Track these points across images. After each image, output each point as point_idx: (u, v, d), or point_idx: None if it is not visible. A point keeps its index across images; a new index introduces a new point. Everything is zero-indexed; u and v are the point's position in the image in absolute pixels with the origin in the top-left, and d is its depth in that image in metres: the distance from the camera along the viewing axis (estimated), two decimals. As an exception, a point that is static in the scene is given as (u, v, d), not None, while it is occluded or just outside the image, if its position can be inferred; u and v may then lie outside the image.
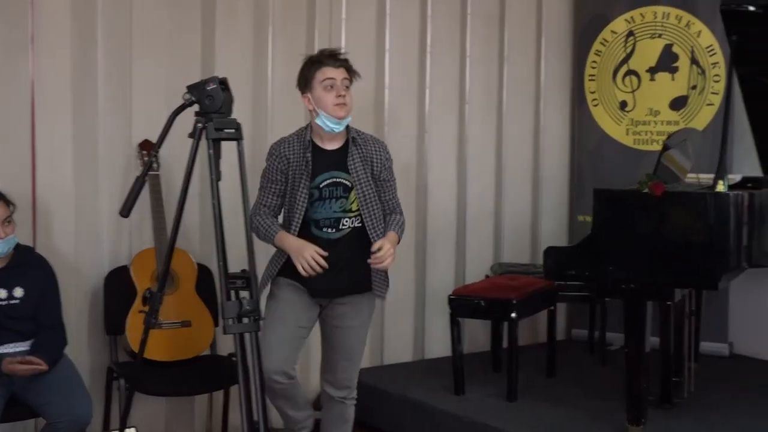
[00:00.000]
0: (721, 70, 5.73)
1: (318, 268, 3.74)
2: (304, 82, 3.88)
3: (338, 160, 3.90)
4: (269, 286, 4.04)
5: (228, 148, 3.27)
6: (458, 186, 5.99)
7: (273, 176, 3.92)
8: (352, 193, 3.88)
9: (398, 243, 3.97)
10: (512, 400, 4.88)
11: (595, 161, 6.16)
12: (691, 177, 4.82)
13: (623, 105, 6.11)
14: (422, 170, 5.82)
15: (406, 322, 5.81)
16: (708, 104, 5.83)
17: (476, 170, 6.05)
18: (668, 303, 4.51)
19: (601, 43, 6.15)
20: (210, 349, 4.76)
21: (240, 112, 3.41)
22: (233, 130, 3.27)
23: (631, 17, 6.07)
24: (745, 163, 5.44)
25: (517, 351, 4.93)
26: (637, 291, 4.21)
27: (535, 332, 6.09)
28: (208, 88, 3.25)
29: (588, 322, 5.84)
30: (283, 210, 3.98)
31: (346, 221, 3.89)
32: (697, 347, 5.41)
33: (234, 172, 3.31)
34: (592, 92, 6.20)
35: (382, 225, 3.96)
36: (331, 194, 3.88)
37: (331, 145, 3.92)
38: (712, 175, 4.37)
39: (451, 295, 5.12)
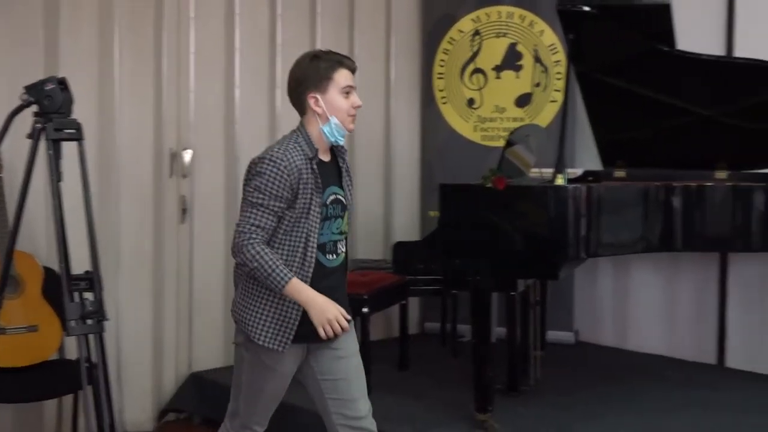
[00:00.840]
0: (563, 67, 5.85)
1: (340, 332, 3.14)
2: (316, 80, 3.20)
3: (335, 173, 3.32)
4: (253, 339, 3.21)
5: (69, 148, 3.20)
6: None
7: (279, 192, 3.10)
8: (346, 213, 3.33)
9: None
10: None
11: (445, 158, 6.24)
12: (534, 172, 4.94)
13: (471, 102, 6.22)
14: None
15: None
16: (551, 101, 6.00)
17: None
18: (512, 294, 4.64)
19: (449, 42, 6.24)
20: (58, 353, 4.63)
21: (85, 111, 3.33)
22: (74, 131, 3.21)
23: (477, 17, 6.18)
24: (588, 158, 5.61)
25: (369, 345, 4.95)
26: (482, 283, 4.27)
27: (388, 327, 6.14)
28: (47, 89, 3.20)
29: (440, 315, 5.93)
30: (278, 238, 3.18)
31: (341, 245, 3.30)
32: (544, 336, 5.56)
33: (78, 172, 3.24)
34: (441, 90, 6.29)
35: None
36: (334, 213, 3.27)
37: (325, 157, 3.28)
38: (551, 170, 4.50)
39: (303, 292, 5.10)
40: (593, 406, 4.70)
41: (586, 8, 4.57)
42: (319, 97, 3.19)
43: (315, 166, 3.17)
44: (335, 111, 3.20)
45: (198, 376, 5.39)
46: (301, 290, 3.10)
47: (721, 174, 4.96)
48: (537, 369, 5.13)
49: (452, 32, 6.24)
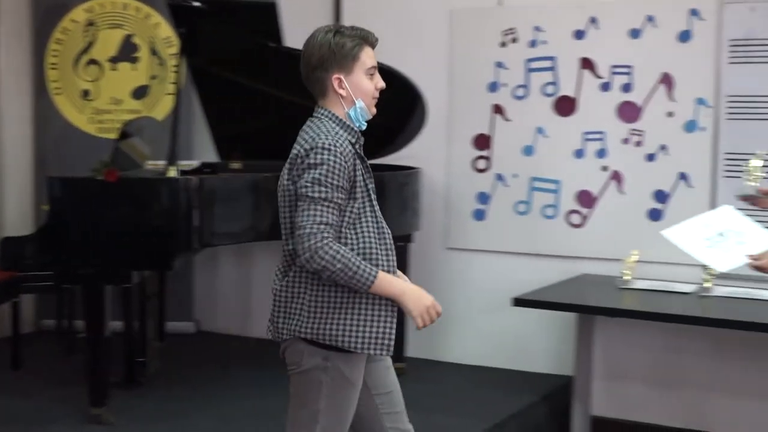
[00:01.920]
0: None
1: (435, 320, 2.77)
2: (340, 59, 2.77)
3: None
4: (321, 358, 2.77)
5: None
6: None
7: (340, 182, 2.67)
8: None
9: None
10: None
11: (61, 150, 6.03)
12: (150, 164, 4.93)
13: (85, 94, 6.07)
14: None
15: None
16: (168, 93, 5.97)
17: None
18: (127, 286, 4.60)
19: (62, 32, 6.04)
20: None
21: None
22: None
23: (91, 7, 6.03)
24: (206, 150, 5.64)
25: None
26: (94, 276, 4.22)
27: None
28: None
29: (56, 311, 5.75)
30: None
31: None
32: (163, 327, 5.56)
33: None
34: (54, 81, 6.07)
35: None
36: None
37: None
38: (163, 163, 4.53)
39: None
40: (212, 394, 4.79)
41: (196, 3, 4.62)
42: (342, 78, 2.77)
43: (359, 150, 2.81)
44: (361, 94, 2.79)
45: None
46: (391, 282, 2.71)
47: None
48: (156, 360, 5.14)
49: (65, 22, 6.04)
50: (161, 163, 4.68)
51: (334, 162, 2.65)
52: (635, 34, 4.87)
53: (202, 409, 4.55)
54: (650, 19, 4.82)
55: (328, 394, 2.77)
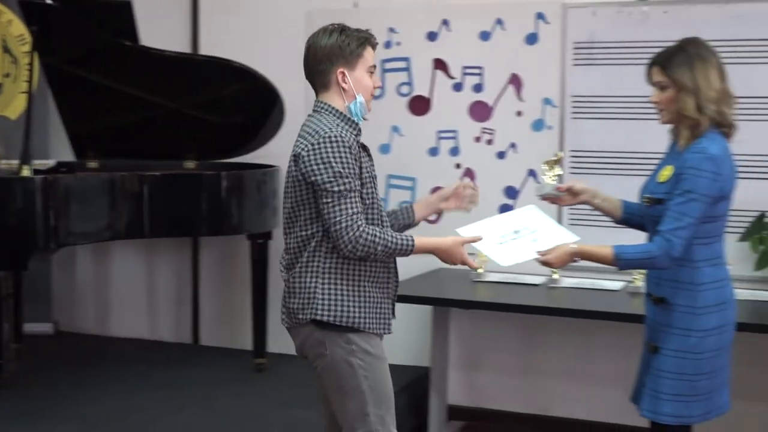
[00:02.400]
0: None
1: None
2: (346, 54, 2.97)
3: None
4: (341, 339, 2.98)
5: None
6: None
7: (354, 170, 2.89)
8: None
9: None
10: None
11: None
12: (5, 163, 4.85)
13: None
14: None
15: None
16: (22, 92, 5.84)
17: None
18: (-21, 287, 4.52)
19: None
20: None
21: None
22: None
23: None
24: (63, 149, 5.54)
25: None
26: (-56, 277, 4.13)
27: None
28: None
29: None
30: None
31: None
32: (20, 328, 5.44)
33: None
34: None
35: None
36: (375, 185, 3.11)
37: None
38: (15, 162, 4.48)
39: None
40: (70, 394, 4.74)
41: (48, 1, 4.58)
42: (345, 72, 2.96)
43: (362, 142, 3.02)
44: (362, 89, 3.00)
45: None
46: (425, 242, 3.02)
47: (190, 163, 5.21)
48: (12, 362, 5.02)
49: None
50: (14, 162, 4.61)
51: (347, 152, 2.86)
52: (485, 36, 5.00)
53: (60, 410, 4.50)
54: (499, 22, 4.96)
55: (364, 374, 2.97)
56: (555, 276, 4.69)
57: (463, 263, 3.05)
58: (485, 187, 5.01)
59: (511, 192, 5.02)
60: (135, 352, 5.66)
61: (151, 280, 5.97)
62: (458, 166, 5.12)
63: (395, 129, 5.22)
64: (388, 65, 5.20)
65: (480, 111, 5.06)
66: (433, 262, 5.03)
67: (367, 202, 2.95)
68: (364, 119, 3.05)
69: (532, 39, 4.92)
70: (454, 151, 5.13)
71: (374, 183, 3.01)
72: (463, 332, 5.10)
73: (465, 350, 5.13)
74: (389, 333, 3.07)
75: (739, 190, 3.12)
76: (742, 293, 3.77)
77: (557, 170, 3.33)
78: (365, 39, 3.01)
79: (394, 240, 2.90)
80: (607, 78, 4.79)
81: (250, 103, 5.08)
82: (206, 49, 5.57)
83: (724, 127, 3.00)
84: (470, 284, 4.75)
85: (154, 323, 5.96)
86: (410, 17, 5.16)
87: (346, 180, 2.85)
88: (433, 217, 5.12)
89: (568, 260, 3.11)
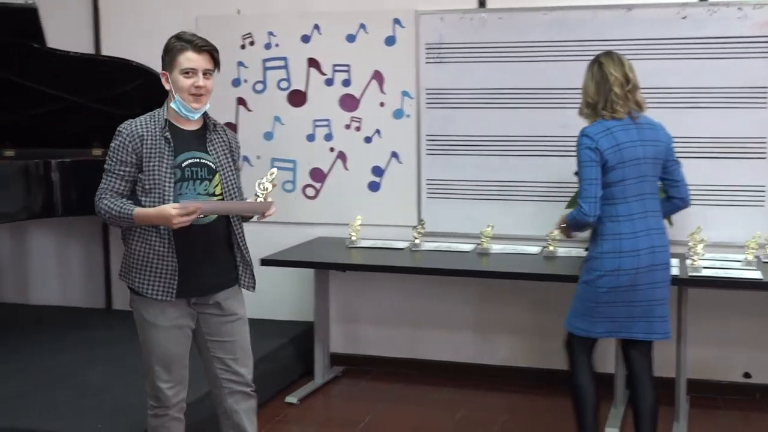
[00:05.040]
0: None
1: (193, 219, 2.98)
2: (167, 61, 3.11)
3: (198, 141, 3.17)
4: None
5: None
6: None
7: (123, 157, 3.05)
8: (216, 177, 3.16)
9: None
10: None
11: None
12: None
13: None
14: None
15: None
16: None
17: None
18: None
19: None
20: None
21: None
22: None
23: None
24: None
25: None
26: None
27: None
28: None
29: None
30: (140, 199, 3.07)
31: None
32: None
33: None
34: None
35: None
36: (195, 175, 3.12)
37: (189, 126, 3.17)
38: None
39: None
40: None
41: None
42: (168, 75, 3.11)
43: (167, 134, 3.09)
44: (178, 90, 3.08)
45: None
46: (146, 213, 3.01)
47: (97, 151, 5.20)
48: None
49: None
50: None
51: (120, 142, 3.06)
52: (351, 38, 5.11)
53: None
54: (363, 26, 5.07)
55: (140, 332, 3.19)
56: (417, 241, 4.87)
57: (179, 219, 2.97)
58: (356, 168, 5.22)
59: (378, 171, 5.16)
60: (51, 318, 5.60)
61: (65, 254, 5.93)
62: (332, 149, 5.24)
63: (277, 119, 5.30)
64: (269, 64, 5.28)
65: (349, 102, 5.17)
66: (315, 232, 5.24)
67: (147, 186, 3.06)
68: (193, 113, 3.12)
69: (390, 41, 5.05)
70: (328, 137, 5.23)
71: (160, 170, 3.06)
72: (341, 291, 5.26)
73: (343, 306, 5.28)
74: (168, 300, 3.10)
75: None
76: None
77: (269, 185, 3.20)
78: (184, 45, 3.09)
79: (118, 210, 3.01)
80: (455, 73, 4.95)
81: (148, 96, 5.08)
82: (107, 50, 5.56)
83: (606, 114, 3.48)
84: (345, 250, 4.89)
85: (68, 292, 5.93)
86: (287, 22, 5.23)
87: (110, 162, 3.08)
88: (311, 193, 5.29)
89: None
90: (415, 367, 5.19)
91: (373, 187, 5.19)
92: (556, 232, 4.42)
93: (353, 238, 4.94)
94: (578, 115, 3.63)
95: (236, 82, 5.35)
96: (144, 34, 5.43)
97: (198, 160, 3.14)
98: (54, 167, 4.63)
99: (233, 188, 3.21)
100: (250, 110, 5.36)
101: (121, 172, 3.06)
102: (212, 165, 3.16)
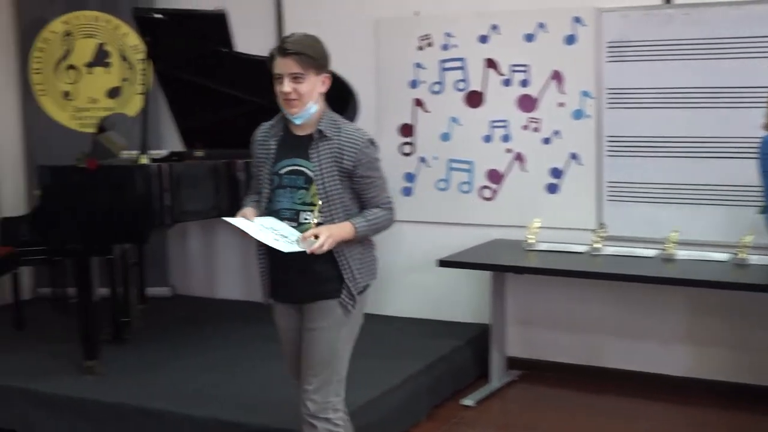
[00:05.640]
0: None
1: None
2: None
3: (303, 147, 3.01)
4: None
5: None
6: None
7: (255, 161, 3.16)
8: (313, 186, 2.98)
9: (361, 235, 3.03)
10: (-16, 355, 4.77)
11: (47, 143, 6.08)
12: (126, 153, 5.01)
13: (66, 95, 6.12)
14: None
15: None
16: (138, 93, 6.04)
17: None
18: (110, 257, 4.69)
19: (43, 42, 6.09)
20: None
21: None
22: None
23: (68, 20, 6.07)
24: (174, 141, 5.68)
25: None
26: (81, 250, 4.31)
27: (1, 294, 5.91)
28: None
29: (51, 280, 5.84)
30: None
31: (307, 216, 2.98)
32: (143, 291, 5.68)
33: None
34: (39, 84, 6.12)
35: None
36: (292, 183, 3.01)
37: (301, 132, 3.04)
38: (136, 152, 4.61)
39: None
40: (185, 347, 4.90)
41: (158, 15, 4.70)
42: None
43: (275, 139, 3.06)
44: (277, 96, 3.04)
45: None
46: (242, 213, 3.11)
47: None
48: (138, 320, 5.25)
49: (45, 33, 6.09)
50: (134, 152, 4.77)
51: (251, 146, 3.17)
52: (529, 38, 5.01)
53: (178, 359, 4.67)
54: (541, 25, 4.96)
55: None
56: (597, 245, 4.69)
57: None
58: (533, 169, 5.11)
59: (556, 173, 5.03)
60: (236, 311, 5.77)
61: (248, 252, 6.08)
62: (509, 150, 5.15)
63: (454, 119, 5.26)
64: (446, 65, 5.24)
65: (527, 103, 5.07)
66: (492, 234, 5.17)
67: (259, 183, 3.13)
68: (294, 118, 3.01)
69: (570, 40, 4.91)
70: (505, 138, 5.15)
71: (262, 175, 3.08)
72: (518, 293, 5.15)
73: (519, 309, 5.18)
74: (268, 303, 3.14)
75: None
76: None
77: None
78: (273, 51, 3.00)
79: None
80: (638, 72, 4.76)
81: (328, 99, 5.14)
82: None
83: None
84: (523, 252, 4.78)
85: (250, 288, 6.05)
86: (464, 23, 5.18)
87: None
88: (488, 195, 5.20)
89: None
90: (592, 374, 5.02)
91: (552, 189, 5.06)
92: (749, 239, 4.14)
93: (531, 241, 4.83)
94: (762, 129, 3.34)
95: (413, 84, 5.35)
96: (326, 37, 5.48)
97: (297, 167, 3.00)
98: (239, 167, 4.76)
99: (333, 198, 2.98)
100: (427, 111, 5.34)
101: (257, 172, 3.16)
102: (310, 174, 2.97)
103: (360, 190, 3.04)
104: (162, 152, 5.19)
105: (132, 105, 6.08)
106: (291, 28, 5.71)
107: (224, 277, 6.20)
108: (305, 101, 2.97)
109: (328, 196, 2.98)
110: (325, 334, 3.05)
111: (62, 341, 4.90)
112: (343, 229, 2.96)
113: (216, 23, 4.76)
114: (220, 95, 5.15)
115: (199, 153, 5.36)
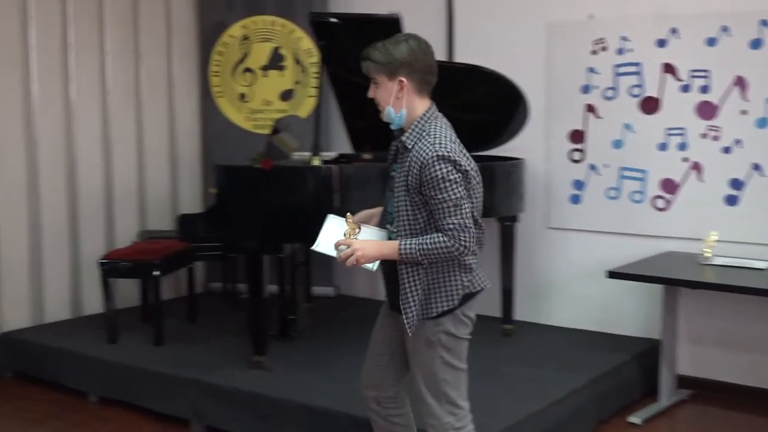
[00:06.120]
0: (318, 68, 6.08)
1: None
2: None
3: (399, 154, 2.96)
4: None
5: None
6: (105, 166, 5.93)
7: None
8: (392, 195, 2.95)
9: (409, 258, 2.82)
10: (159, 344, 4.95)
11: (223, 143, 6.29)
12: (299, 155, 5.10)
13: (242, 97, 6.30)
14: (71, 153, 5.73)
15: (62, 284, 5.69)
16: (310, 96, 6.18)
17: (121, 153, 6.02)
18: (280, 256, 4.77)
19: (222, 45, 6.30)
20: None
21: None
22: None
23: (246, 24, 6.26)
24: (342, 143, 5.76)
25: (161, 303, 5.03)
26: (254, 247, 4.39)
27: (177, 287, 6.17)
28: None
29: (221, 275, 6.03)
30: None
31: (390, 224, 2.96)
32: (310, 290, 5.76)
33: None
34: (217, 86, 6.33)
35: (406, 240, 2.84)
36: (390, 188, 2.98)
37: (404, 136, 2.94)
38: (309, 153, 4.67)
39: (100, 259, 5.10)
40: (349, 346, 4.90)
41: (333, 20, 4.75)
42: None
43: (395, 143, 3.00)
44: None
45: (7, 336, 5.28)
46: None
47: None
48: (305, 318, 5.33)
49: (224, 37, 6.30)
50: (306, 153, 4.84)
51: None
52: (711, 42, 4.77)
53: (342, 358, 4.66)
54: (725, 29, 4.72)
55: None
56: (777, 262, 4.42)
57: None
58: (712, 180, 4.86)
59: (737, 184, 4.77)
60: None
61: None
62: (686, 159, 4.92)
63: (627, 126, 5.08)
64: (621, 69, 5.07)
65: (706, 110, 4.82)
66: (664, 246, 4.96)
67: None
68: (389, 123, 2.95)
69: (756, 44, 4.64)
70: (682, 146, 4.92)
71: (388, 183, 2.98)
72: (691, 309, 4.91)
73: (691, 325, 4.94)
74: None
75: None
76: None
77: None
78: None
79: None
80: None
81: (499, 103, 5.07)
82: (460, 55, 5.64)
83: None
84: (698, 266, 4.55)
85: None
86: (641, 26, 4.99)
87: None
88: (661, 205, 4.98)
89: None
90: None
91: (731, 200, 4.79)
92: None
93: (707, 255, 4.58)
94: None
95: (585, 89, 5.20)
96: (497, 41, 5.46)
97: (393, 173, 2.96)
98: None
99: (400, 211, 2.85)
100: (599, 117, 5.18)
101: None
102: (394, 181, 2.90)
103: (430, 210, 2.81)
104: (331, 154, 5.24)
105: (303, 107, 6.19)
106: (461, 33, 5.71)
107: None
108: (383, 106, 2.91)
109: (397, 209, 2.88)
110: (420, 355, 2.96)
111: (232, 335, 5.04)
112: (384, 248, 2.85)
113: (390, 27, 4.73)
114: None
115: (367, 155, 5.41)
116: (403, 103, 2.88)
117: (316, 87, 6.10)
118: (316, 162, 4.52)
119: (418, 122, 2.88)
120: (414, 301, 2.85)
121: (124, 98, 6.03)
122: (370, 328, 5.39)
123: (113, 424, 4.52)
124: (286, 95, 6.26)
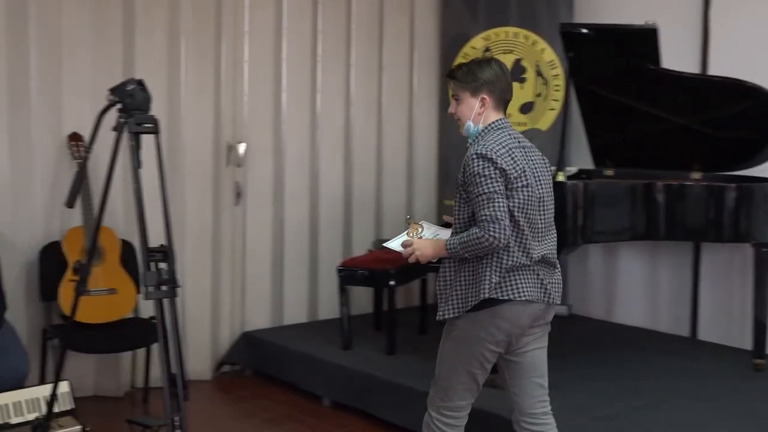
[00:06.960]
0: (561, 81, 5.86)
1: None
2: None
3: None
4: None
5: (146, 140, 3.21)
6: (345, 175, 6.02)
7: None
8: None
9: (454, 254, 3.02)
10: (391, 354, 4.93)
11: (459, 155, 6.18)
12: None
13: (481, 108, 6.19)
14: (314, 162, 5.84)
15: (301, 289, 5.81)
16: (550, 109, 5.98)
17: (360, 162, 6.08)
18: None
19: (463, 57, 6.21)
20: (133, 312, 4.70)
21: (156, 109, 3.33)
22: (151, 125, 3.21)
23: (488, 36, 6.15)
24: (580, 157, 5.58)
25: (395, 313, 5.00)
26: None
27: (409, 297, 6.16)
28: (128, 89, 3.17)
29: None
30: None
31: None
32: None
33: (153, 161, 3.24)
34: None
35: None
36: None
37: None
38: (553, 168, 4.48)
39: (338, 266, 5.15)
40: (583, 369, 4.70)
41: (585, 30, 4.56)
42: None
43: None
44: None
45: (249, 335, 5.44)
46: None
47: (696, 174, 4.94)
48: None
49: (466, 48, 6.22)
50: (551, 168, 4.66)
51: None
52: None
53: (574, 379, 4.46)
54: None
55: None
56: None
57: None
58: None
59: None
60: (636, 339, 5.46)
61: (653, 277, 5.75)
62: None
63: None
64: None
65: None
66: None
67: None
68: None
69: None
70: None
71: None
72: None
73: None
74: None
75: None
76: None
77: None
78: None
79: None
80: None
81: (755, 119, 4.66)
82: (714, 67, 5.24)
83: None
84: None
85: (653, 315, 5.73)
86: None
87: None
88: None
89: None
90: None
91: None
92: None
93: None
94: None
95: None
96: (752, 53, 5.03)
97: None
98: (659, 189, 4.44)
99: (455, 213, 3.06)
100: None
101: None
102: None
103: (472, 206, 2.99)
104: (572, 169, 5.04)
105: (543, 120, 5.99)
106: (716, 44, 5.28)
107: (624, 302, 5.90)
108: (463, 121, 3.11)
109: (454, 207, 3.08)
110: (442, 340, 3.25)
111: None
112: (436, 246, 3.08)
113: (645, 38, 4.50)
114: (637, 113, 4.88)
115: (608, 171, 5.16)
116: (481, 119, 3.09)
117: (557, 100, 5.92)
118: (560, 177, 4.34)
119: (483, 132, 3.08)
120: (445, 295, 3.13)
121: (366, 109, 6.09)
122: (604, 351, 5.15)
123: (347, 431, 4.52)
124: (526, 108, 6.08)
